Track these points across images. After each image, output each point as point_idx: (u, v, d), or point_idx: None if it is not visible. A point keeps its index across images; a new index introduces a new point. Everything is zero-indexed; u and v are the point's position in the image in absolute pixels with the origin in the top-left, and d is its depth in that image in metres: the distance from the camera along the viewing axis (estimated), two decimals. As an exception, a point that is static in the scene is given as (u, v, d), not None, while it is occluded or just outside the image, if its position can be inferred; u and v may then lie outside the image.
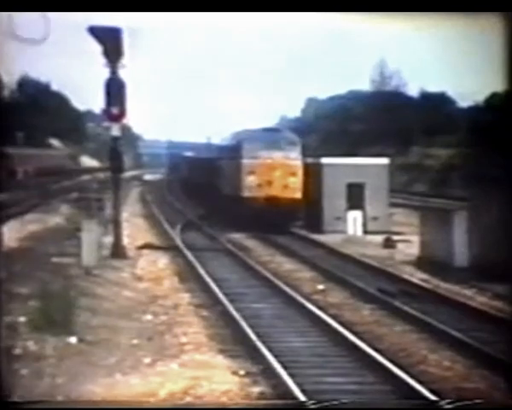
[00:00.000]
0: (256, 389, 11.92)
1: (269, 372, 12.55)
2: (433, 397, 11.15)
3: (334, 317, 16.76)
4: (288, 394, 11.40)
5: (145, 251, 27.07)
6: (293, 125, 74.70)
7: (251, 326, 15.39)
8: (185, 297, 19.22)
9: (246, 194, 34.49)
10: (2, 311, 13.73)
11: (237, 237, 31.95)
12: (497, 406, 10.78)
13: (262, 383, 12.23)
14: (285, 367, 12.59)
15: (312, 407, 8.89)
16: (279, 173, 34.36)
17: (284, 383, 11.81)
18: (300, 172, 34.70)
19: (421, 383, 11.92)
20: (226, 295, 18.73)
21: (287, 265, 25.13)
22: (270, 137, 35.52)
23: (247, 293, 19.89)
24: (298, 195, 34.33)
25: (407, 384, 11.81)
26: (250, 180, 34.52)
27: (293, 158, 34.88)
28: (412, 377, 12.19)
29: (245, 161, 34.89)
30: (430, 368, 13.30)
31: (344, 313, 17.71)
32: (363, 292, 19.82)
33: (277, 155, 34.72)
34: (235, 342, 14.74)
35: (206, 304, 18.32)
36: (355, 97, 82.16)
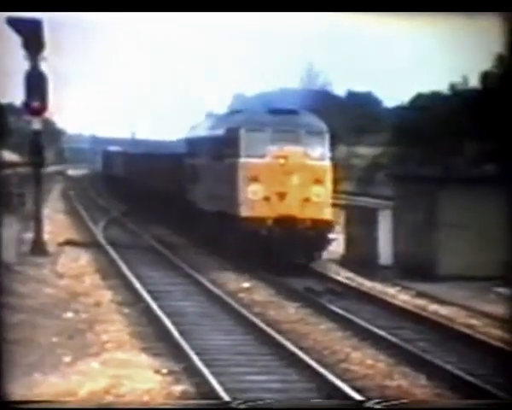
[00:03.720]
0: (178, 388, 11.78)
1: (192, 371, 12.42)
2: (355, 395, 11.18)
3: (258, 315, 16.70)
4: (211, 392, 11.28)
5: (67, 248, 26.59)
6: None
7: (174, 324, 15.22)
8: (107, 295, 18.91)
9: (244, 213, 22.85)
10: None
11: (162, 233, 31.58)
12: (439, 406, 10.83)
13: (185, 381, 12.09)
14: (208, 366, 12.47)
15: (239, 406, 8.80)
16: (297, 180, 22.93)
17: (207, 382, 11.69)
18: (329, 179, 23.59)
19: (344, 380, 11.96)
20: (149, 292, 18.50)
21: (213, 263, 24.92)
22: (283, 122, 23.42)
23: (170, 290, 19.69)
24: (326, 214, 23.28)
25: (330, 382, 11.81)
26: (252, 191, 22.86)
27: (319, 156, 23.55)
28: (335, 375, 12.21)
29: (243, 161, 23.14)
30: (353, 366, 13.34)
31: (269, 311, 17.66)
32: (288, 290, 19.80)
33: (294, 152, 23.15)
34: (157, 341, 14.55)
35: (129, 302, 18.06)
36: (282, 95, 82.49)
